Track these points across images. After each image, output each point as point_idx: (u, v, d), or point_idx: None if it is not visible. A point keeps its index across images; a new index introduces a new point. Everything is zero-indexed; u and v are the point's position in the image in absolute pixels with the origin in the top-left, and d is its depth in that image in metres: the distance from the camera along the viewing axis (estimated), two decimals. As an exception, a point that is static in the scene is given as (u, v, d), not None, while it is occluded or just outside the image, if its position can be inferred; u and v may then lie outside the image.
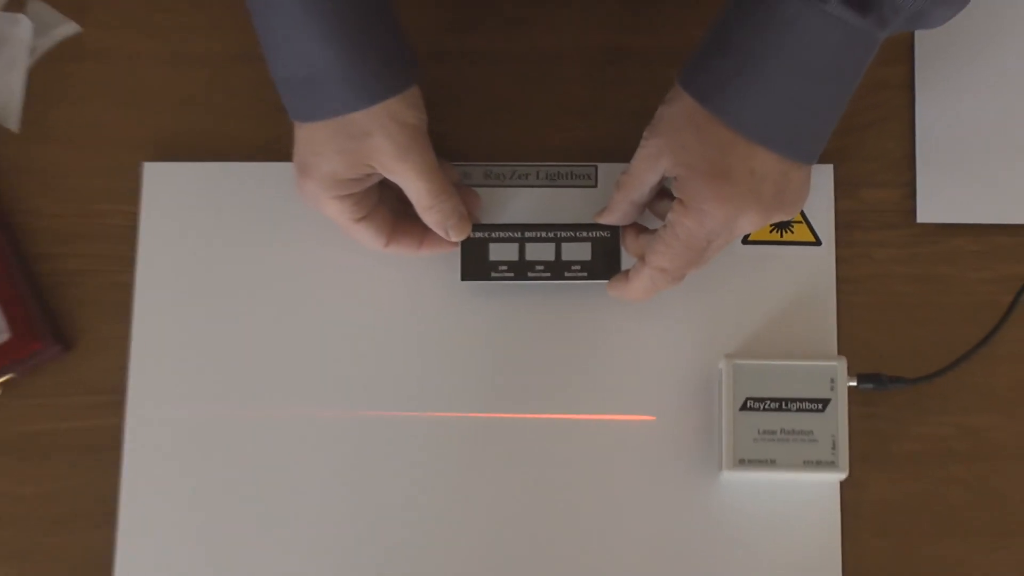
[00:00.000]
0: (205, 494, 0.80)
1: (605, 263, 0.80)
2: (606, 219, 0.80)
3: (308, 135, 0.76)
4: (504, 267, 0.81)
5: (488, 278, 0.81)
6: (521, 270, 0.80)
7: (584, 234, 0.80)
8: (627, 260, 0.80)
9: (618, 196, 0.78)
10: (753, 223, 0.74)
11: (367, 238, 0.79)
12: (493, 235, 0.81)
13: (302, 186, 0.77)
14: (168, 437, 0.81)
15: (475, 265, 0.81)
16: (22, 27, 0.85)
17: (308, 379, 0.82)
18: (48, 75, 0.87)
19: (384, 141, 0.74)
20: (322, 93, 0.74)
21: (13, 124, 0.85)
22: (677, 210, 0.74)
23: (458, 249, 0.81)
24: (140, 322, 0.82)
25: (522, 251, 0.81)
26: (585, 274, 0.80)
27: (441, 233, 0.80)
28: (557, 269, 0.80)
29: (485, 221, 0.82)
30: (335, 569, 0.80)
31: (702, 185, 0.72)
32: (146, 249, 0.83)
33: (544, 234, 0.81)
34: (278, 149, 0.83)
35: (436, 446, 0.81)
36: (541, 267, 0.80)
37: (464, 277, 0.81)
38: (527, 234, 0.81)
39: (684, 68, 0.74)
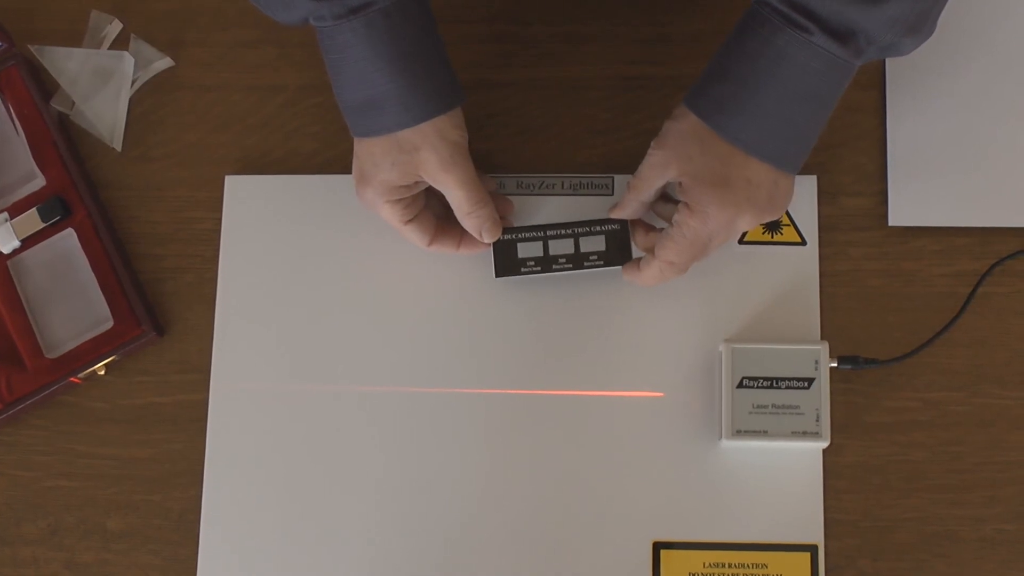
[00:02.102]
0: (276, 457, 0.84)
1: (618, 251, 0.83)
2: (618, 214, 0.83)
3: (367, 149, 0.79)
4: (532, 262, 0.84)
5: (518, 273, 0.84)
6: (546, 264, 0.84)
7: (598, 228, 0.84)
8: (636, 247, 0.84)
9: (629, 196, 0.81)
10: (749, 223, 0.78)
11: (414, 237, 0.83)
12: (520, 236, 0.84)
13: (361, 192, 0.81)
14: (246, 409, 0.85)
15: (507, 263, 0.84)
16: (125, 62, 0.89)
17: (366, 360, 0.85)
18: (146, 103, 0.91)
19: (430, 154, 0.78)
20: (381, 114, 0.77)
21: (117, 145, 0.90)
22: (683, 212, 0.78)
23: (491, 250, 0.84)
24: (222, 311, 0.87)
25: (546, 247, 0.84)
26: (602, 262, 0.83)
27: (476, 236, 0.83)
28: (577, 260, 0.84)
29: (517, 224, 0.85)
30: (390, 516, 0.83)
31: (706, 191, 0.76)
32: (227, 249, 0.88)
33: (564, 231, 0.84)
34: (338, 164, 0.88)
35: (476, 417, 0.84)
36: (563, 260, 0.84)
37: (498, 274, 0.84)
38: (549, 232, 0.84)
39: (690, 90, 0.77)
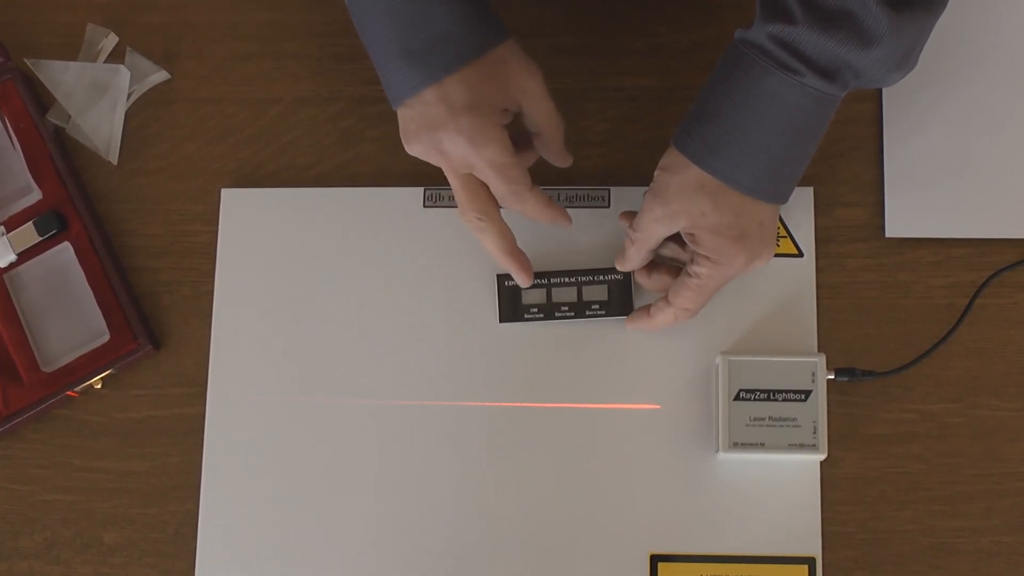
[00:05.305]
0: (273, 470, 0.85)
1: (620, 301, 0.85)
2: (625, 267, 0.83)
3: (458, 84, 0.76)
4: (535, 309, 0.85)
5: (522, 319, 0.86)
6: (549, 311, 0.85)
7: (601, 277, 0.85)
8: (638, 297, 0.85)
9: (633, 249, 0.82)
10: (764, 261, 0.80)
11: (521, 174, 0.79)
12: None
13: (464, 129, 0.76)
14: (243, 422, 0.85)
15: (511, 310, 0.86)
16: (121, 76, 0.90)
17: (363, 372, 0.86)
18: (142, 116, 0.91)
19: (518, 64, 0.77)
20: (465, 42, 0.75)
21: (113, 158, 0.90)
22: (703, 263, 0.79)
23: (496, 297, 0.86)
24: (219, 324, 0.87)
25: (549, 295, 0.85)
26: (603, 312, 0.85)
27: (561, 155, 0.82)
28: (579, 308, 0.85)
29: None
30: (388, 526, 0.84)
31: (726, 244, 0.77)
32: (223, 262, 0.88)
33: (567, 279, 0.85)
34: (333, 176, 0.89)
35: (473, 430, 0.85)
36: (566, 307, 0.85)
37: (502, 320, 0.86)
38: (553, 280, 0.85)
39: (685, 140, 0.77)
